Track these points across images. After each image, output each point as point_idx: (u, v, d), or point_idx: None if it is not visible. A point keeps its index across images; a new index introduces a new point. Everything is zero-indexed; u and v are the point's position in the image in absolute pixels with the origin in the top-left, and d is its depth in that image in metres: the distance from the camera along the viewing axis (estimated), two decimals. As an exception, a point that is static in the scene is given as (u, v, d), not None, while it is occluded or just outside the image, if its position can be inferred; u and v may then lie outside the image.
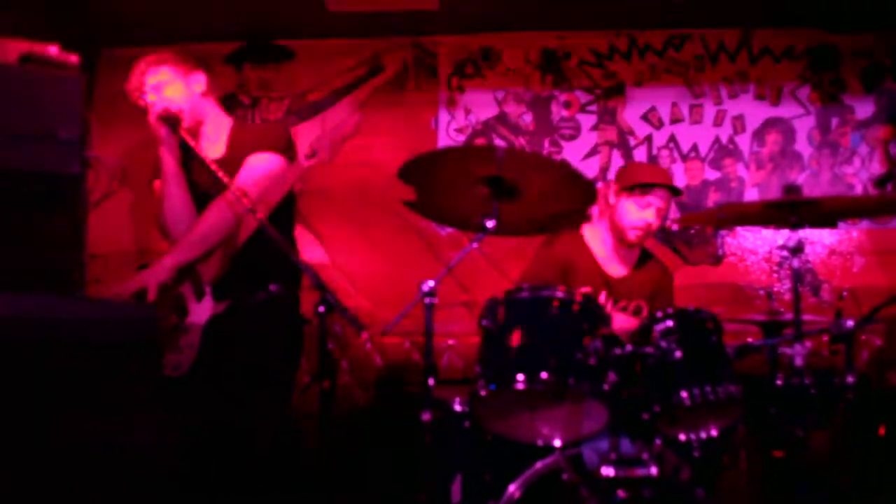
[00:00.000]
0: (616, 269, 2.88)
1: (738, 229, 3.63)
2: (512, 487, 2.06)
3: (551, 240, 2.89)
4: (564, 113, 3.77)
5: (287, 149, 2.63)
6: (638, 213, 2.80)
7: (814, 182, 3.65)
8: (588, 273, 2.82)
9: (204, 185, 2.59)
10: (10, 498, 1.57)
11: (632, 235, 2.82)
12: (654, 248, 3.21)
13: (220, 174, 2.39)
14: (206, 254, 2.50)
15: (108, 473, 1.69)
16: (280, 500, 2.60)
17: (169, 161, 2.57)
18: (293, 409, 2.85)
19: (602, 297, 2.79)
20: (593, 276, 2.81)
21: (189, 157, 2.60)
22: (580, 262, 2.84)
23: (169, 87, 2.56)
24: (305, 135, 3.80)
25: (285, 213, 2.69)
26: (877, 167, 3.65)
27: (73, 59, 1.97)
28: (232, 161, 2.57)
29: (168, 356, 2.53)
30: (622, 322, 2.58)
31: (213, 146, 2.66)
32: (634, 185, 2.80)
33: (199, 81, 2.62)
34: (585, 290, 2.60)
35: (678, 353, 2.04)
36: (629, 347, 2.06)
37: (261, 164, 2.55)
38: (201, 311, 2.55)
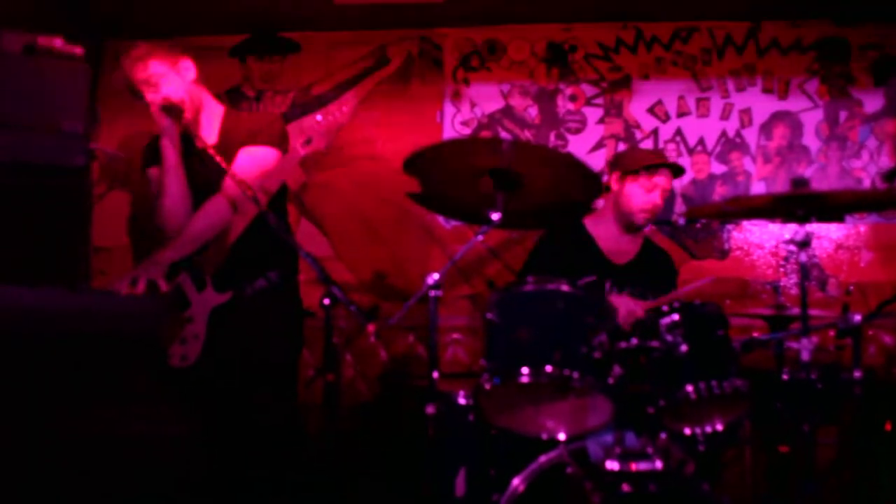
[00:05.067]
0: (621, 256, 2.91)
1: (745, 223, 3.61)
2: (516, 481, 2.06)
3: (552, 233, 2.91)
4: (570, 106, 3.75)
5: (281, 141, 2.63)
6: (645, 196, 2.84)
7: (821, 176, 3.62)
8: (592, 262, 2.84)
9: (202, 174, 2.59)
10: (19, 489, 1.58)
11: (640, 218, 2.86)
12: (660, 241, 3.21)
13: (223, 164, 2.39)
14: (202, 249, 2.52)
15: (111, 464, 1.70)
16: (285, 491, 2.60)
17: (170, 153, 2.57)
18: (298, 401, 2.86)
19: (607, 286, 2.80)
20: (597, 264, 2.83)
21: (188, 147, 2.60)
22: (583, 252, 2.86)
23: (163, 79, 2.55)
24: (309, 128, 3.80)
25: (279, 203, 2.71)
26: (885, 161, 3.62)
27: (78, 50, 1.97)
28: (223, 149, 2.57)
29: (174, 347, 2.54)
30: (628, 305, 2.57)
31: (207, 135, 2.66)
32: (640, 167, 2.83)
33: (189, 69, 2.61)
34: (590, 279, 2.64)
35: (684, 347, 2.03)
36: (635, 341, 2.05)
37: (254, 158, 2.55)
38: (203, 301, 2.56)
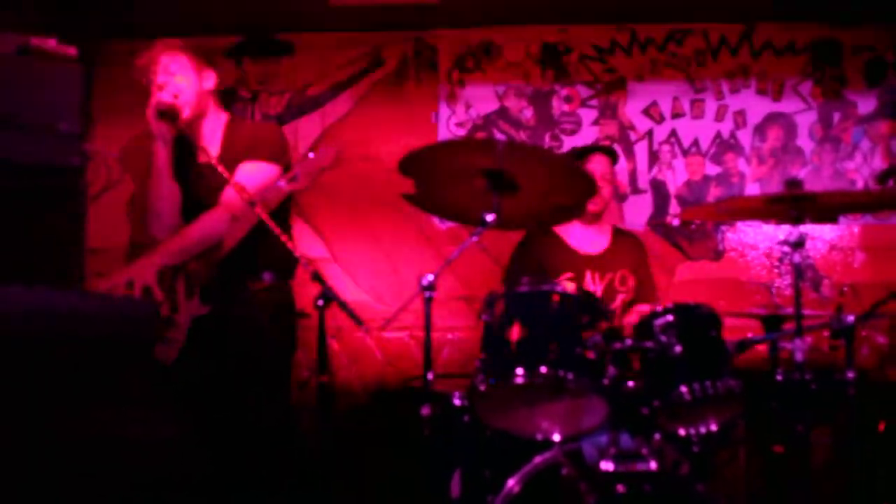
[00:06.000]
0: (594, 247, 3.08)
1: (739, 224, 3.63)
2: (511, 482, 2.05)
3: (526, 240, 3.09)
4: (565, 107, 3.76)
5: (281, 156, 2.64)
6: None
7: (815, 177, 3.63)
8: (566, 260, 3.00)
9: (200, 184, 2.60)
10: (17, 490, 1.57)
11: (590, 207, 3.00)
12: (655, 243, 3.25)
13: (226, 175, 2.39)
14: (192, 258, 2.54)
15: (105, 465, 1.69)
16: (279, 494, 2.60)
17: (161, 156, 2.57)
18: (292, 404, 2.86)
19: (588, 276, 2.99)
20: (573, 260, 3.00)
21: (184, 153, 2.60)
22: (556, 254, 3.02)
23: (181, 74, 2.58)
24: (306, 129, 3.79)
25: (283, 212, 2.71)
26: (879, 163, 3.64)
27: (72, 51, 1.96)
28: (225, 159, 2.57)
29: (158, 345, 2.55)
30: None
31: (209, 143, 2.66)
32: (573, 158, 3.06)
33: (209, 78, 2.65)
34: (568, 275, 2.88)
35: (678, 348, 2.03)
36: (629, 342, 2.05)
37: (254, 174, 2.55)
38: (189, 309, 2.57)
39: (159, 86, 2.55)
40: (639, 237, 3.27)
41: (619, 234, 3.18)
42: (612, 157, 3.18)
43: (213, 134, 2.67)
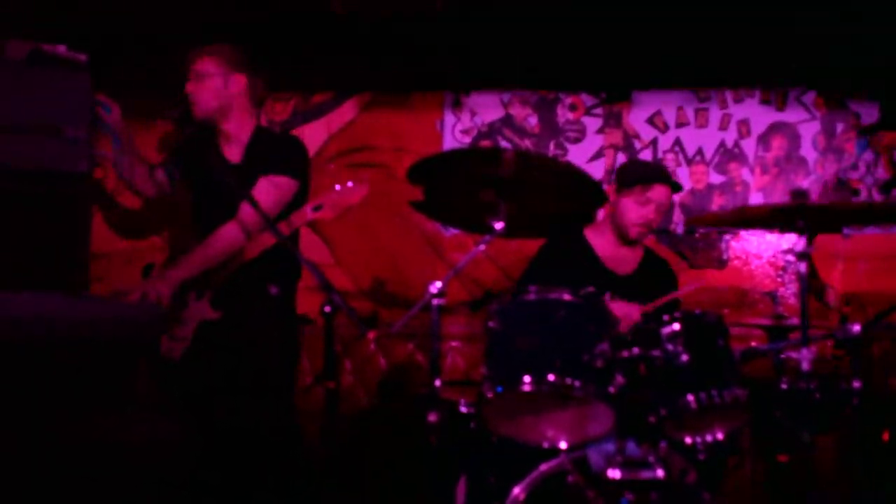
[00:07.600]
0: (621, 267, 2.91)
1: (743, 233, 3.63)
2: (517, 490, 2.05)
3: (553, 240, 2.92)
4: (570, 116, 3.77)
5: (302, 170, 2.67)
6: (638, 210, 2.83)
7: (819, 187, 3.64)
8: (591, 272, 2.84)
9: (219, 183, 2.63)
10: (19, 495, 1.58)
11: (633, 232, 2.85)
12: (662, 253, 3.23)
13: (235, 184, 2.41)
14: (211, 269, 2.58)
15: (109, 470, 1.70)
16: (283, 500, 2.60)
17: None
18: (296, 410, 2.86)
19: (608, 296, 2.78)
20: (597, 274, 2.84)
21: (204, 153, 2.64)
22: (583, 262, 2.87)
23: (206, 80, 2.64)
24: (311, 136, 3.80)
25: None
26: (882, 173, 3.65)
27: (82, 57, 1.98)
28: (246, 168, 2.61)
29: (163, 339, 2.57)
30: (623, 310, 2.57)
31: (232, 149, 2.70)
32: (634, 182, 2.82)
33: (237, 83, 2.68)
34: (589, 289, 2.63)
35: (684, 357, 2.04)
36: (636, 350, 2.06)
37: (273, 188, 2.59)
38: (198, 310, 2.58)
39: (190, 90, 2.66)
40: (669, 263, 3.03)
41: (650, 259, 2.98)
42: (676, 189, 2.91)
43: (237, 139, 2.71)
